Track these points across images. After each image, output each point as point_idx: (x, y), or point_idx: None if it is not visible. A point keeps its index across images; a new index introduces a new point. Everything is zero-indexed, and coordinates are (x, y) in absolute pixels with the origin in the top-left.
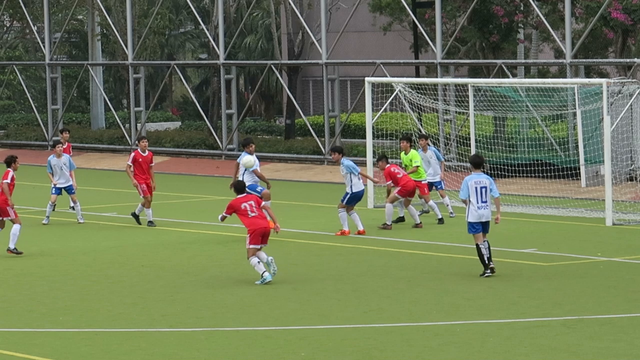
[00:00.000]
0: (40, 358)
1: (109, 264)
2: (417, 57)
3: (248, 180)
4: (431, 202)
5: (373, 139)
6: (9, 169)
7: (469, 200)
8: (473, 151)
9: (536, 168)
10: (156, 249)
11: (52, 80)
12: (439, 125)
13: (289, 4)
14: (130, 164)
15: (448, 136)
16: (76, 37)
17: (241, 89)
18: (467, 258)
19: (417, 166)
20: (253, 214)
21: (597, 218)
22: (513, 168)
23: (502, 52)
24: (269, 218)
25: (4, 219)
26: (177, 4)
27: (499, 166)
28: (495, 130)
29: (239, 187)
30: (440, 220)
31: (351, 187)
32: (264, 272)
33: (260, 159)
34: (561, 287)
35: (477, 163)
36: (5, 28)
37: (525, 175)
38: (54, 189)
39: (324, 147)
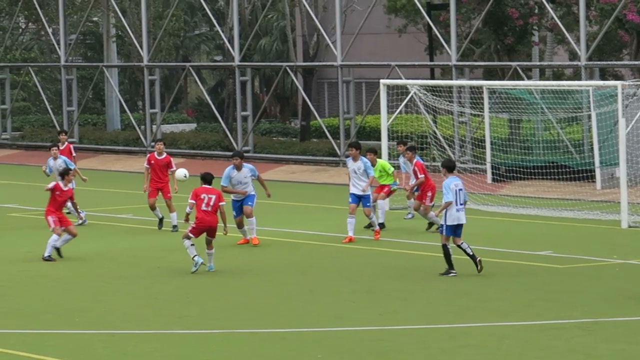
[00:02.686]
0: (55, 359)
1: (124, 266)
2: (432, 59)
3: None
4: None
5: (388, 141)
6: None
7: (451, 203)
8: (489, 153)
9: (551, 170)
10: (171, 250)
11: (68, 82)
12: (454, 127)
13: (304, 6)
14: (147, 166)
15: (463, 138)
16: (91, 38)
17: (256, 91)
18: (482, 260)
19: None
20: (206, 208)
21: (612, 220)
22: (528, 170)
23: (517, 54)
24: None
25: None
26: (192, 5)
27: (514, 168)
28: (511, 132)
29: (207, 178)
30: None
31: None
32: (195, 255)
33: (275, 160)
34: (576, 289)
35: (451, 167)
36: (20, 30)
37: (540, 177)
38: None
39: (339, 149)
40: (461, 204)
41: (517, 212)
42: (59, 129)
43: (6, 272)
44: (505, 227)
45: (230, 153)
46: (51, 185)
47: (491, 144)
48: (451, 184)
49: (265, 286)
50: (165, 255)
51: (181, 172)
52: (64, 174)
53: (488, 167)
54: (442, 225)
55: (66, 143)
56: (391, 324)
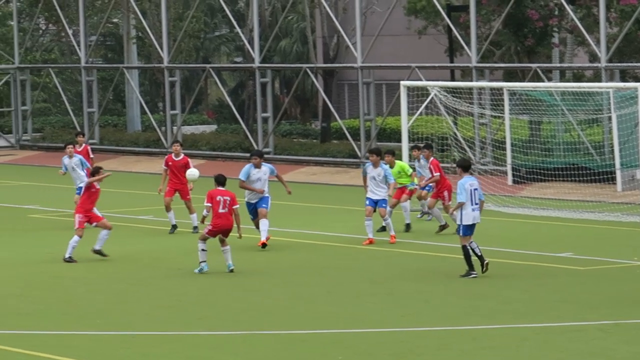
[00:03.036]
0: None
1: (145, 267)
2: (452, 61)
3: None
4: (405, 204)
5: (409, 142)
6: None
7: (464, 203)
8: (509, 155)
9: (572, 172)
10: (191, 252)
11: (88, 83)
12: (474, 129)
13: (324, 7)
14: (165, 168)
15: (484, 140)
16: (112, 40)
17: (277, 92)
18: (503, 262)
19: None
20: (223, 210)
21: (633, 222)
22: (549, 172)
23: (537, 56)
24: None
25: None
26: (212, 7)
27: (534, 170)
28: (531, 134)
29: (220, 179)
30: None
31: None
32: (203, 262)
33: (295, 162)
34: (597, 291)
35: (467, 166)
36: (41, 31)
37: (561, 179)
38: (76, 190)
39: (360, 151)
40: (476, 204)
41: (538, 213)
42: (79, 130)
43: (27, 274)
44: (526, 229)
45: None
46: (88, 181)
47: (512, 145)
48: (466, 183)
49: (285, 288)
50: (185, 257)
51: (193, 173)
52: (95, 172)
53: (509, 168)
54: (458, 226)
55: (84, 145)
56: (412, 325)
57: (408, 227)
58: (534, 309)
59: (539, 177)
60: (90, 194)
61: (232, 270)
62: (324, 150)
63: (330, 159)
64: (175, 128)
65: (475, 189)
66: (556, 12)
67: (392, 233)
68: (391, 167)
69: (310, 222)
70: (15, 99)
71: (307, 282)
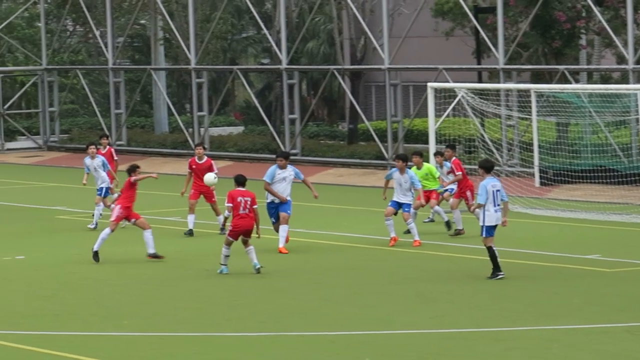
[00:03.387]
0: None
1: (172, 268)
2: (479, 63)
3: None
4: (437, 208)
5: (436, 144)
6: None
7: (484, 205)
8: (537, 157)
9: (599, 174)
10: (219, 253)
11: (115, 85)
12: (502, 130)
13: (351, 9)
14: (189, 171)
15: (511, 142)
16: (139, 41)
17: (304, 94)
18: (530, 264)
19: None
20: (243, 212)
21: None
22: (576, 174)
23: (564, 57)
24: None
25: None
26: (240, 8)
27: (562, 172)
28: (558, 136)
29: (240, 180)
30: (449, 224)
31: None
32: (224, 265)
33: (323, 164)
34: (625, 293)
35: (489, 167)
36: (68, 32)
37: (588, 181)
38: (97, 190)
39: (387, 152)
40: (498, 205)
41: (565, 215)
42: (106, 132)
43: (55, 275)
44: (553, 231)
45: None
46: (135, 179)
47: (539, 147)
48: (488, 184)
49: (312, 289)
50: (213, 258)
51: (209, 178)
52: (132, 170)
53: (536, 170)
54: (482, 227)
55: (108, 147)
56: (439, 327)
57: (448, 225)
58: (561, 310)
59: (567, 179)
60: (132, 192)
61: (258, 269)
62: (351, 151)
63: (358, 160)
64: (202, 129)
65: (498, 190)
66: (584, 14)
67: (417, 238)
68: (418, 168)
69: (337, 223)
70: (43, 101)
71: (334, 284)
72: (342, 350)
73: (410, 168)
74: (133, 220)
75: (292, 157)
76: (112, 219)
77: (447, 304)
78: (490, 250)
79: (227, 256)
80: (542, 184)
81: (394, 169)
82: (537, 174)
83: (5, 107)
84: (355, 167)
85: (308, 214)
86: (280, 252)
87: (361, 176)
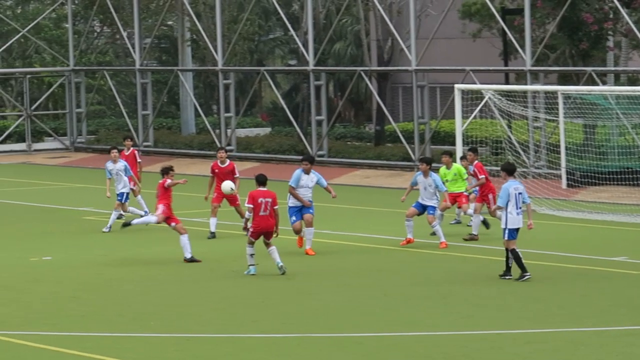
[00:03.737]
0: None
1: (199, 269)
2: (506, 64)
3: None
4: (470, 211)
5: (463, 145)
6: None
7: (506, 208)
8: (564, 159)
9: (627, 176)
10: (244, 254)
11: (143, 86)
12: (528, 132)
13: (379, 10)
14: (212, 175)
15: (538, 143)
16: (166, 42)
17: (331, 95)
18: (557, 265)
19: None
20: (264, 213)
21: None
22: (603, 176)
23: (591, 59)
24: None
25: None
26: (267, 10)
27: (589, 174)
28: (585, 137)
29: (261, 179)
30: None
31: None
32: (252, 265)
33: (349, 165)
34: None
35: (511, 170)
36: (95, 33)
37: (615, 183)
38: (118, 196)
39: (414, 154)
40: (519, 207)
41: (592, 217)
42: (133, 133)
43: (82, 275)
44: (580, 233)
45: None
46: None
47: (566, 149)
48: (510, 187)
49: (339, 290)
50: (238, 259)
51: (227, 186)
52: (165, 172)
53: (563, 172)
54: (504, 230)
55: (131, 149)
56: (466, 329)
57: (486, 223)
58: (588, 312)
59: (594, 180)
60: (168, 193)
61: (282, 269)
62: (378, 153)
63: (384, 162)
64: (229, 131)
65: (520, 193)
66: (611, 16)
67: (443, 240)
68: (448, 168)
69: (363, 225)
70: (70, 102)
71: (361, 285)
72: (369, 351)
73: (435, 171)
74: (173, 224)
75: (318, 159)
76: (159, 212)
77: (473, 306)
78: (513, 252)
79: (252, 255)
80: (569, 185)
81: (418, 173)
82: (564, 176)
83: (33, 108)
84: (382, 168)
85: (335, 215)
86: (307, 253)
87: (388, 178)
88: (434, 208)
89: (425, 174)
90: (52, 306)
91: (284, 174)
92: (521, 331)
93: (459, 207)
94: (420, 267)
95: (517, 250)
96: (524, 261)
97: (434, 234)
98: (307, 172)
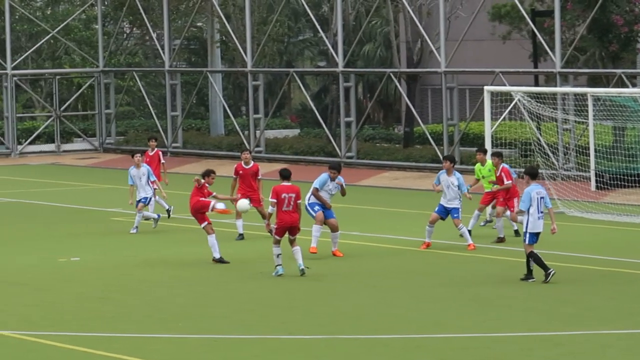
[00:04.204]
0: None
1: (227, 271)
2: (536, 66)
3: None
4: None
5: (492, 147)
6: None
7: (528, 211)
8: (593, 161)
9: None
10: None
11: (172, 87)
12: (558, 134)
13: (408, 12)
14: (235, 177)
15: (567, 145)
16: (195, 44)
17: (360, 97)
18: (585, 268)
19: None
20: (287, 209)
21: None
22: (632, 178)
23: (621, 61)
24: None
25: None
26: (296, 11)
27: (618, 176)
28: (615, 140)
29: (285, 174)
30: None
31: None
32: (279, 265)
33: (378, 167)
34: None
35: (534, 174)
36: (125, 35)
37: None
38: (142, 200)
39: (443, 156)
40: (541, 212)
41: (621, 220)
42: (162, 134)
43: (110, 276)
44: (609, 235)
45: (333, 159)
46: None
47: (595, 151)
48: (533, 191)
49: (367, 292)
50: (267, 261)
51: (244, 205)
52: (207, 174)
53: (592, 174)
54: (525, 234)
55: (155, 149)
56: (494, 331)
57: (517, 233)
58: (617, 315)
59: (623, 183)
60: (201, 194)
61: (303, 270)
62: (407, 155)
63: (413, 163)
64: (258, 132)
65: (542, 197)
66: None
67: (470, 242)
68: (482, 164)
69: (392, 226)
70: (99, 102)
71: (389, 287)
72: (397, 353)
73: (462, 172)
74: (205, 224)
75: (347, 161)
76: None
77: (501, 308)
78: (532, 255)
79: (279, 255)
80: (598, 188)
81: (442, 172)
82: (593, 178)
83: (62, 108)
84: (411, 170)
85: (363, 217)
86: (335, 255)
87: (416, 179)
88: (457, 210)
89: (449, 172)
90: (80, 307)
91: (312, 176)
92: (549, 333)
93: (493, 208)
94: (448, 268)
95: (535, 252)
96: (544, 261)
97: (462, 236)
98: (333, 179)
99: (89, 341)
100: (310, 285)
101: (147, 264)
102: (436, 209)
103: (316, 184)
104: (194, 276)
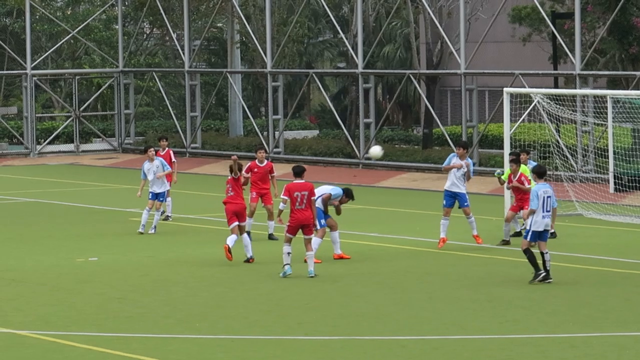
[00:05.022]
0: None
1: (245, 271)
2: (555, 68)
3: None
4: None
5: (511, 149)
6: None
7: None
8: (612, 163)
9: None
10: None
11: (191, 88)
12: (577, 136)
13: (428, 13)
14: (247, 175)
15: (586, 147)
16: (215, 44)
17: (379, 98)
18: (603, 270)
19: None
20: (299, 207)
21: None
22: None
23: None
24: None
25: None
26: (317, 12)
27: (637, 178)
28: (634, 142)
29: (298, 170)
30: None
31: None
32: (287, 264)
33: (397, 168)
34: None
35: (542, 173)
36: (145, 35)
37: None
38: (150, 194)
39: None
40: (547, 211)
41: (639, 222)
42: (182, 134)
43: (128, 277)
44: (628, 238)
45: (353, 160)
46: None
47: (614, 153)
48: (539, 190)
49: (385, 293)
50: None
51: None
52: (239, 168)
53: (610, 176)
54: (527, 231)
55: (167, 149)
56: (512, 332)
57: (518, 234)
58: (634, 317)
59: None
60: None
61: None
62: (426, 156)
63: (432, 165)
64: (277, 133)
65: (549, 197)
66: None
67: (475, 232)
68: (525, 164)
69: (410, 228)
70: (119, 103)
71: (407, 288)
72: (414, 354)
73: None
74: (233, 224)
75: (365, 162)
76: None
77: (519, 309)
78: (527, 252)
79: (289, 253)
80: (616, 190)
81: (453, 154)
82: (611, 180)
83: (81, 109)
84: (430, 171)
85: (382, 218)
86: (342, 257)
87: (435, 181)
88: (465, 197)
89: (462, 158)
90: (98, 307)
91: (331, 177)
92: (566, 335)
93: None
94: (465, 270)
95: (531, 250)
96: (537, 261)
97: (516, 234)
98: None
99: (106, 341)
100: (327, 286)
101: (165, 264)
102: (445, 202)
103: (334, 194)
104: (211, 276)
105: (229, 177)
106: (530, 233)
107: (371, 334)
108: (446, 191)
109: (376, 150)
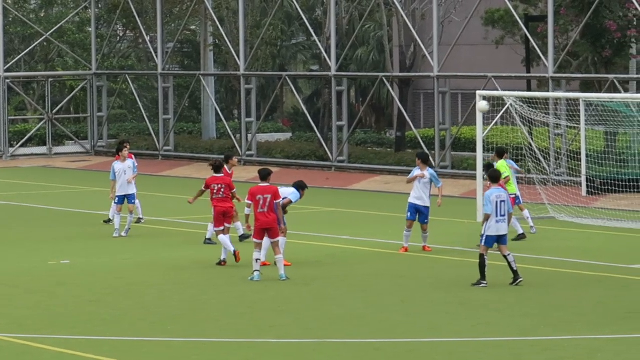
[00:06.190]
0: None
1: (218, 274)
2: (528, 71)
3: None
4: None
5: (484, 152)
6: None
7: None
8: (584, 166)
9: None
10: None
11: (164, 90)
12: (549, 139)
13: (402, 16)
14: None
15: (559, 150)
16: (188, 47)
17: (352, 101)
18: (576, 273)
19: (507, 177)
20: (262, 210)
21: None
22: (624, 183)
23: (614, 67)
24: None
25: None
26: (290, 15)
27: (609, 181)
28: (607, 145)
29: (262, 174)
30: (521, 236)
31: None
32: (256, 271)
33: (370, 171)
34: None
35: (495, 177)
36: (118, 37)
37: (636, 190)
38: (117, 198)
39: (434, 160)
40: (502, 215)
41: (612, 225)
42: (154, 137)
43: (103, 280)
44: (600, 240)
45: (325, 163)
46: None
47: (587, 156)
48: (492, 195)
49: (358, 296)
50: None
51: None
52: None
53: (583, 179)
54: (482, 236)
55: (127, 153)
56: (485, 335)
57: (523, 236)
58: (607, 320)
59: (614, 188)
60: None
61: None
62: (399, 159)
63: (405, 168)
64: (250, 135)
65: (503, 201)
66: (634, 23)
67: (424, 244)
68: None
69: (383, 231)
70: (92, 105)
71: (379, 291)
72: (388, 357)
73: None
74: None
75: (338, 164)
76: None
77: (492, 312)
78: (481, 258)
79: (257, 260)
80: (589, 193)
81: (416, 168)
82: (584, 183)
83: (54, 111)
84: (402, 174)
85: (354, 221)
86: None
87: (408, 184)
88: (427, 213)
89: (422, 168)
90: (72, 310)
91: (304, 179)
92: (539, 338)
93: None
94: (439, 273)
95: (486, 257)
96: (486, 271)
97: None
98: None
99: (79, 344)
100: (300, 289)
101: (139, 267)
102: (408, 214)
103: (292, 196)
104: (185, 279)
105: (210, 177)
106: (484, 237)
107: (344, 337)
108: (410, 204)
109: (482, 105)
